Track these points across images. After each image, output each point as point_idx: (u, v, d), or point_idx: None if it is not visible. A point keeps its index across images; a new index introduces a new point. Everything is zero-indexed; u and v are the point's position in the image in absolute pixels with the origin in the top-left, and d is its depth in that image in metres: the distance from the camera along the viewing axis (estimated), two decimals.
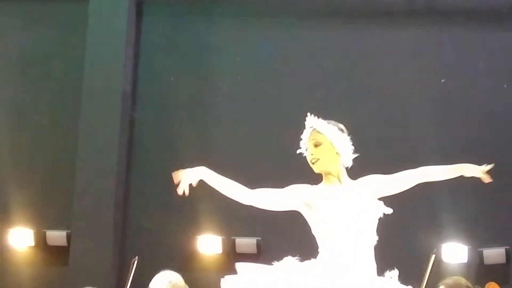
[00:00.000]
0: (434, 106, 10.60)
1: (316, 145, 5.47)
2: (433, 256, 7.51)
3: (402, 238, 10.19)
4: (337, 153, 5.40)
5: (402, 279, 8.54)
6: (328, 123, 5.53)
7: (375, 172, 5.45)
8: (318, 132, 5.50)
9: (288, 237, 10.12)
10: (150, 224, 10.71)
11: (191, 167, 5.59)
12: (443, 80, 10.64)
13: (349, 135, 5.50)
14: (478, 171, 5.47)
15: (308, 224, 5.48)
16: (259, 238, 10.62)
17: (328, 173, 5.45)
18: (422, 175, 5.61)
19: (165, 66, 11.25)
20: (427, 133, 10.44)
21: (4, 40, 11.47)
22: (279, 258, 9.62)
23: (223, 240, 10.65)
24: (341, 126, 5.58)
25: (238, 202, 5.53)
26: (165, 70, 11.22)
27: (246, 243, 10.71)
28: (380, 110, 10.75)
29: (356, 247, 5.24)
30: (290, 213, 8.56)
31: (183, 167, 5.59)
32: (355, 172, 5.33)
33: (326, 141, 5.44)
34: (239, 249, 10.67)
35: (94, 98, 10.81)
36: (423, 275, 7.33)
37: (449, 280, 7.41)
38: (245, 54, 11.07)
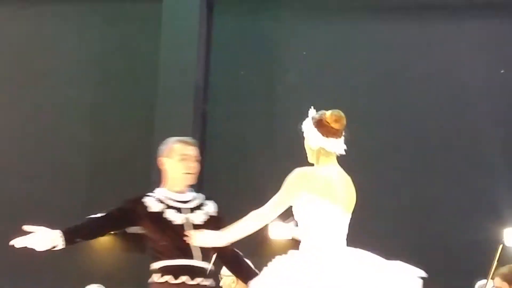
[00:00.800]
0: (494, 96, 10.29)
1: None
2: (500, 247, 7.48)
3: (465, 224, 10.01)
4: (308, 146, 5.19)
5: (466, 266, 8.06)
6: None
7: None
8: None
9: None
10: (222, 211, 10.27)
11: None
12: (502, 71, 10.31)
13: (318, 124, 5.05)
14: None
15: None
16: None
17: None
18: None
19: (235, 61, 11.14)
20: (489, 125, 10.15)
21: (85, 39, 11.37)
22: None
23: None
24: (314, 115, 5.17)
25: None
26: (234, 65, 11.10)
27: None
28: (443, 101, 10.41)
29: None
30: None
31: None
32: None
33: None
34: None
35: (168, 92, 10.74)
36: (490, 266, 7.30)
37: (505, 269, 7.12)
38: (311, 49, 10.83)
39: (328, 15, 11.12)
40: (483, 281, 7.63)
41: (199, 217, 5.54)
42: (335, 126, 5.03)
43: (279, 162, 9.68)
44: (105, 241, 10.85)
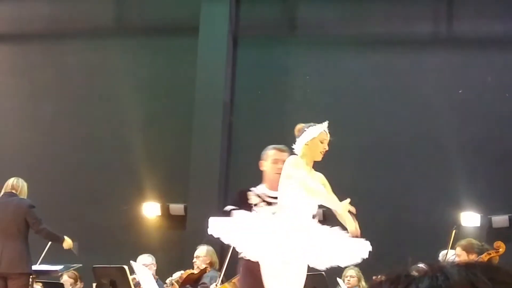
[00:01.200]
0: (453, 110, 10.55)
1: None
2: (453, 231, 7.94)
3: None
4: None
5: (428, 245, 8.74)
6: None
7: None
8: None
9: None
10: None
11: None
12: (460, 91, 10.67)
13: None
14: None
15: None
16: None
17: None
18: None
19: (254, 83, 11.36)
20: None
21: (138, 66, 11.72)
22: None
23: None
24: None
25: None
26: (254, 86, 11.36)
27: None
28: (412, 113, 10.80)
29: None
30: None
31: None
32: None
33: None
34: None
35: (202, 107, 11.03)
36: (446, 246, 7.81)
37: (463, 242, 7.54)
38: (314, 74, 11.21)
39: (326, 48, 11.26)
40: (445, 251, 7.99)
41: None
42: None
43: None
44: (153, 221, 11.19)
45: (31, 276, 8.23)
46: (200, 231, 10.13)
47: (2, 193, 8.10)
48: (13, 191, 8.04)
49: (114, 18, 12.18)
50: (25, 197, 8.14)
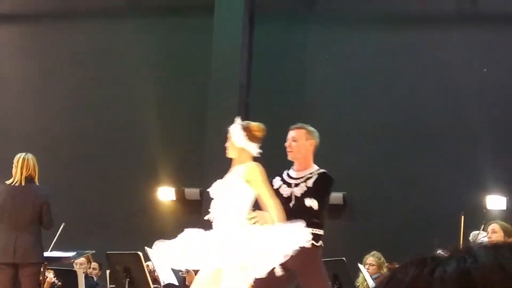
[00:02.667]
0: (478, 89, 10.54)
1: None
2: (462, 216, 7.97)
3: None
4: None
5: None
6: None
7: None
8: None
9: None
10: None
11: None
12: (485, 70, 10.66)
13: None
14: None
15: None
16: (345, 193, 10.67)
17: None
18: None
19: (271, 63, 11.37)
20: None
21: (153, 46, 11.77)
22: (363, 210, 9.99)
23: None
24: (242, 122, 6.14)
25: None
26: (271, 66, 11.36)
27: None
28: (438, 93, 10.76)
29: None
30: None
31: None
32: None
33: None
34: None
35: (218, 88, 11.08)
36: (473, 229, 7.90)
37: (500, 222, 7.64)
38: (332, 53, 11.21)
39: (346, 25, 11.26)
40: (476, 232, 8.05)
41: (300, 190, 6.03)
42: (258, 135, 5.92)
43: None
44: (168, 205, 11.37)
45: (43, 264, 8.18)
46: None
47: (17, 176, 7.96)
48: (31, 175, 7.91)
49: None
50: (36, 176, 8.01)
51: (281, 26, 11.51)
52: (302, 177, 6.10)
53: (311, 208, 5.90)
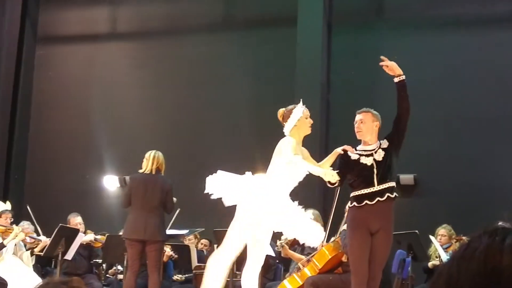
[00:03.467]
0: None
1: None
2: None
3: None
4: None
5: None
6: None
7: None
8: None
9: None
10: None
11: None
12: None
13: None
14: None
15: None
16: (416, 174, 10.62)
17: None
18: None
19: (347, 64, 11.25)
20: None
21: (244, 55, 11.80)
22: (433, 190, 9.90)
23: None
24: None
25: None
26: (347, 68, 11.24)
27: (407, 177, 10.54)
28: (493, 87, 10.58)
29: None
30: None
31: None
32: None
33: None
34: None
35: (303, 88, 10.89)
36: None
37: None
38: (401, 54, 10.32)
39: (410, 30, 11.13)
40: None
41: (380, 155, 6.18)
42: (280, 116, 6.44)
43: (384, 132, 10.81)
44: None
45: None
46: (305, 196, 10.42)
47: (148, 167, 8.26)
48: (159, 168, 8.26)
49: (222, 14, 12.35)
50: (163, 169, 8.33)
51: (354, 32, 11.52)
52: (375, 148, 6.25)
53: (392, 166, 6.14)
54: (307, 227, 5.98)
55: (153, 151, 8.28)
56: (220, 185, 6.03)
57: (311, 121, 6.47)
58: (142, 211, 7.85)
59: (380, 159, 6.15)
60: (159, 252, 8.09)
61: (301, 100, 6.43)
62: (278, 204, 5.98)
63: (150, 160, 8.20)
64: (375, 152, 6.21)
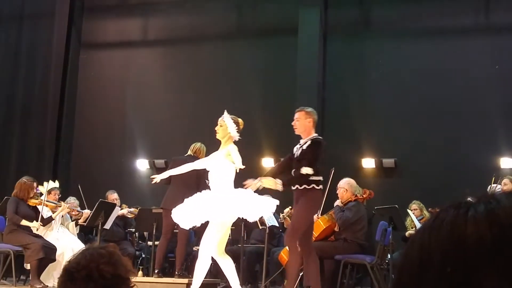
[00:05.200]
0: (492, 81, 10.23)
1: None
2: (493, 177, 7.74)
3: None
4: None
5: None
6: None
7: None
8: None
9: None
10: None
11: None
12: (497, 67, 10.31)
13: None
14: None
15: None
16: (396, 158, 10.58)
17: None
18: None
19: (340, 68, 11.16)
20: None
21: (253, 60, 11.62)
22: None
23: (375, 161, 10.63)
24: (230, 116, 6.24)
25: None
26: (341, 71, 11.16)
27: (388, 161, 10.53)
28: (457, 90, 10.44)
29: None
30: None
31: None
32: None
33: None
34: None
35: (303, 88, 10.89)
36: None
37: (510, 176, 7.72)
38: (384, 59, 11.02)
39: (393, 39, 11.00)
40: (493, 185, 7.90)
41: (298, 151, 6.10)
42: (241, 127, 6.17)
43: (373, 128, 10.63)
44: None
45: None
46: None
47: (189, 152, 8.35)
48: (195, 154, 8.26)
49: (235, 25, 12.24)
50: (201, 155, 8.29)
51: (346, 40, 11.41)
52: (304, 143, 6.10)
53: (303, 162, 5.96)
54: (261, 202, 5.86)
55: (199, 143, 8.39)
56: (185, 215, 5.96)
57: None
58: (180, 187, 7.79)
59: (297, 154, 6.06)
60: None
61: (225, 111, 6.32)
62: (232, 199, 5.88)
63: (192, 148, 8.33)
64: (300, 147, 6.13)
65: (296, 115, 6.20)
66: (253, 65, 11.72)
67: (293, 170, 5.97)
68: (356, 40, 11.31)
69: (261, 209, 5.86)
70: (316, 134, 6.21)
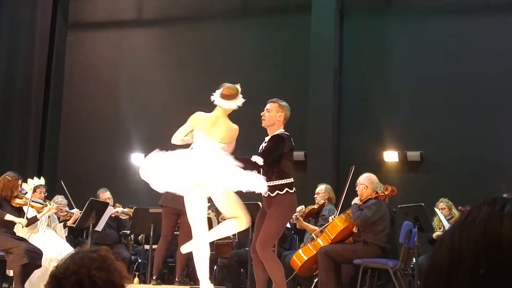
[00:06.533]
0: None
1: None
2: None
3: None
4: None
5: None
6: None
7: None
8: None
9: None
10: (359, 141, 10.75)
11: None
12: None
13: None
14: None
15: None
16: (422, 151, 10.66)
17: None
18: None
19: (358, 50, 11.26)
20: None
21: (262, 40, 11.76)
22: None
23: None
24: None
25: None
26: (358, 52, 11.24)
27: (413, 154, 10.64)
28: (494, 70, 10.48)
29: None
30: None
31: None
32: None
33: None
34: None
35: (316, 72, 11.04)
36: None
37: None
38: (407, 39, 11.09)
39: (418, 17, 11.04)
40: None
41: (263, 145, 6.16)
42: (227, 92, 6.08)
43: (396, 118, 10.70)
44: None
45: None
46: (318, 173, 10.43)
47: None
48: None
49: (240, 1, 12.30)
50: None
51: (365, 19, 11.44)
52: (268, 140, 6.17)
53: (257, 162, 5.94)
54: (249, 177, 5.77)
55: None
56: (155, 169, 5.86)
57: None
58: None
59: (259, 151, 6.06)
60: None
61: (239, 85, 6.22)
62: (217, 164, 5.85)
63: None
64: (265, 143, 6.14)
65: (268, 106, 6.24)
66: (260, 47, 11.80)
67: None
68: (377, 18, 11.37)
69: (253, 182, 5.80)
70: (283, 131, 6.23)
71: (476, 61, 10.59)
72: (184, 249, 6.24)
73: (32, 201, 8.57)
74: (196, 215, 5.95)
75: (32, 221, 8.55)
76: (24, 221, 8.33)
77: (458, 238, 0.80)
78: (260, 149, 6.08)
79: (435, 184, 10.24)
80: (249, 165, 5.82)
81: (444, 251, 0.81)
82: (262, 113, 6.18)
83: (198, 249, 6.04)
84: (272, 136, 6.13)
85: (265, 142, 6.14)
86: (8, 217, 8.22)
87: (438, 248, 0.83)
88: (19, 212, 8.47)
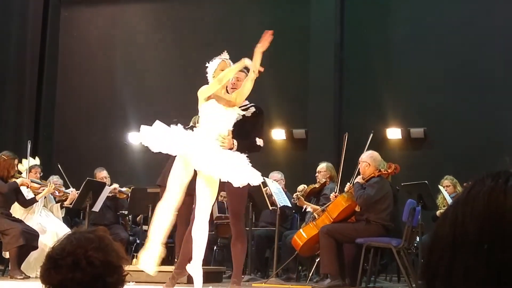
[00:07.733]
0: None
1: None
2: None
3: None
4: None
5: None
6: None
7: None
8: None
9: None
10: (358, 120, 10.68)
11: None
12: None
13: None
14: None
15: None
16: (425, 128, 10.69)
17: None
18: None
19: (360, 23, 11.20)
20: None
21: (260, 17, 11.53)
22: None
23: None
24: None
25: None
26: (360, 26, 11.19)
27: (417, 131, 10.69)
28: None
29: None
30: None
31: None
32: None
33: None
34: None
35: (318, 47, 11.08)
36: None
37: None
38: (411, 10, 11.00)
39: None
40: None
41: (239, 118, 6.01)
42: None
43: (399, 94, 10.69)
44: (279, 144, 11.34)
45: None
46: (319, 151, 10.44)
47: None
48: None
49: None
50: None
51: None
52: (244, 109, 6.18)
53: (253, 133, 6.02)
54: (245, 170, 5.66)
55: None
56: (154, 134, 5.65)
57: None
58: None
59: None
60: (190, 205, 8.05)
61: (225, 52, 6.22)
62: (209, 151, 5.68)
63: (194, 119, 8.10)
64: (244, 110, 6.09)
65: (238, 75, 6.18)
66: (259, 22, 11.41)
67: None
68: None
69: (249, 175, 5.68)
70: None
71: (484, 35, 10.53)
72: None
73: (31, 181, 8.59)
74: (174, 181, 5.82)
75: (30, 203, 8.57)
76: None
77: (461, 212, 0.80)
78: (237, 120, 5.95)
79: (439, 161, 10.25)
80: (254, 149, 5.83)
81: (448, 226, 0.81)
82: (232, 81, 6.11)
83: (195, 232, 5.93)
84: (258, 111, 6.14)
85: (243, 115, 6.05)
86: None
87: (441, 223, 0.84)
88: (16, 193, 8.48)
